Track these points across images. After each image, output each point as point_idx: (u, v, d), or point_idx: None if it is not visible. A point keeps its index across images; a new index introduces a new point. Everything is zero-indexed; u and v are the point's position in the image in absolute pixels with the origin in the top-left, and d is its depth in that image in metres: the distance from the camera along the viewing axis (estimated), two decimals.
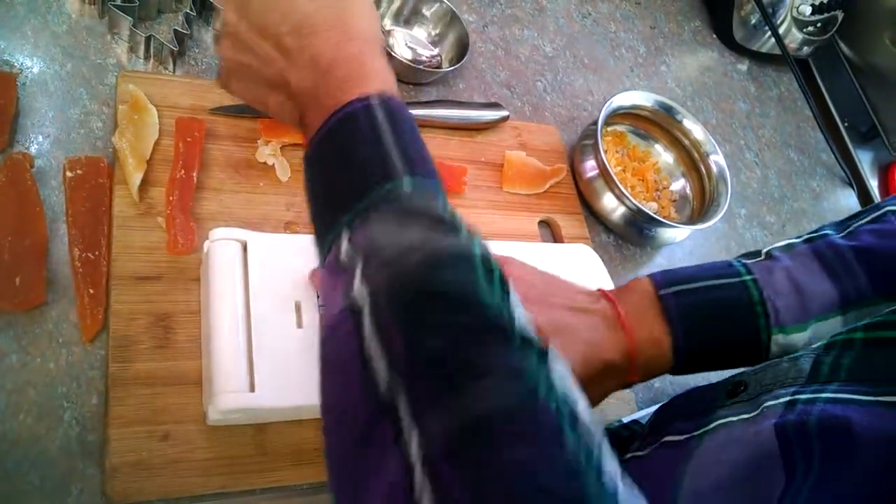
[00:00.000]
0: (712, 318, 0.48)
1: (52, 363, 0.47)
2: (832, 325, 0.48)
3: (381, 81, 0.39)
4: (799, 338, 0.48)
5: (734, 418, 0.41)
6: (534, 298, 0.47)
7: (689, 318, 0.48)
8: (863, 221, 0.51)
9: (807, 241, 0.51)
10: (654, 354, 0.48)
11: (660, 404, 0.60)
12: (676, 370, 0.49)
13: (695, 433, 0.42)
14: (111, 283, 0.50)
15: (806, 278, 0.49)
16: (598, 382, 0.47)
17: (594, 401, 0.49)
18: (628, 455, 0.47)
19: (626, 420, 0.60)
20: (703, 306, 0.48)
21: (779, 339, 0.48)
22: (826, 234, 0.51)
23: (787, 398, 0.38)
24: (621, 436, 0.56)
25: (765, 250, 0.52)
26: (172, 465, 0.46)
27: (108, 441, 0.45)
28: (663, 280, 0.50)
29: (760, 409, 0.39)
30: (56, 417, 0.46)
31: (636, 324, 0.48)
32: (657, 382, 0.70)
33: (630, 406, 0.63)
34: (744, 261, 0.51)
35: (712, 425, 0.42)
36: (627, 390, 0.63)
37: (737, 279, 0.49)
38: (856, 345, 0.39)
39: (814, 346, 0.42)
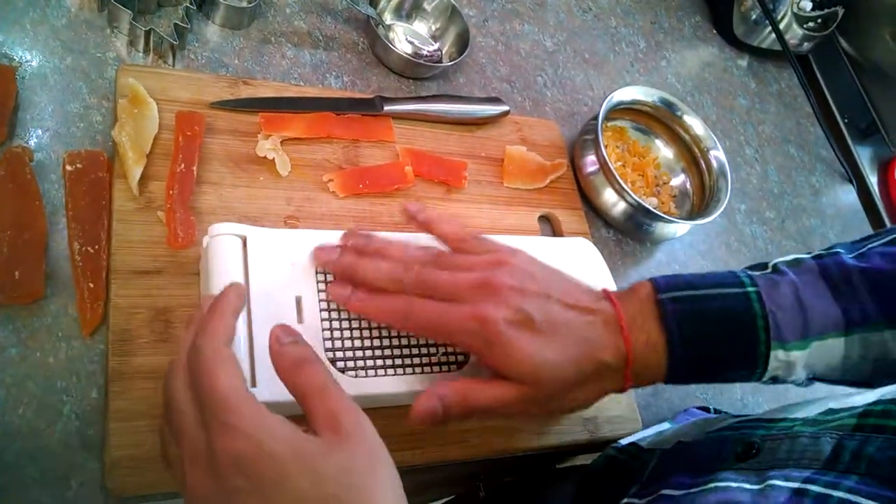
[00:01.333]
0: (711, 327, 0.47)
1: (52, 357, 0.47)
2: (833, 346, 0.47)
3: None
4: (799, 355, 0.47)
5: (734, 485, 0.39)
6: (533, 291, 0.46)
7: (686, 325, 0.47)
8: (877, 243, 0.49)
9: (816, 257, 0.50)
10: (649, 360, 0.47)
11: (661, 428, 0.59)
12: (671, 378, 0.48)
13: (692, 490, 0.42)
14: (111, 277, 0.50)
15: (810, 296, 0.47)
16: (592, 383, 0.46)
17: (587, 402, 0.48)
18: (624, 500, 0.47)
19: (623, 443, 0.59)
20: (702, 314, 0.47)
21: (779, 353, 0.47)
22: (837, 253, 0.50)
23: (798, 484, 0.36)
24: (620, 466, 0.55)
25: (772, 263, 0.51)
26: None
27: (107, 435, 0.45)
28: (665, 285, 0.48)
29: (765, 484, 0.38)
30: (56, 411, 0.46)
31: (634, 327, 0.47)
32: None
33: (634, 416, 0.63)
34: (749, 272, 0.50)
35: (711, 485, 0.40)
36: (629, 398, 0.63)
37: (740, 290, 0.48)
38: (887, 431, 0.37)
39: (840, 422, 0.40)
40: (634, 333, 0.46)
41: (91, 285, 0.49)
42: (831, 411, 0.43)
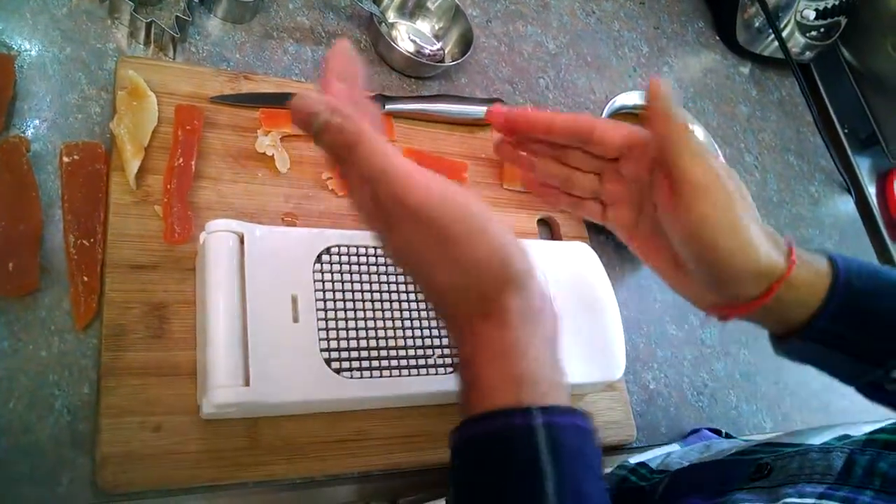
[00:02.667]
0: (880, 284, 0.42)
1: (44, 351, 0.47)
2: None
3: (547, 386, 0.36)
4: None
5: None
6: None
7: (854, 276, 0.41)
8: None
9: None
10: (805, 282, 0.41)
11: (671, 449, 0.59)
12: (820, 317, 0.42)
13: None
14: (106, 271, 0.49)
15: None
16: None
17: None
18: None
19: (632, 462, 0.58)
20: (874, 273, 0.42)
21: None
22: None
23: (813, 500, 0.36)
24: (631, 487, 0.54)
25: None
26: (164, 456, 0.45)
27: (99, 431, 0.45)
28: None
29: (781, 502, 0.37)
30: (47, 406, 0.45)
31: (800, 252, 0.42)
32: (652, 384, 0.70)
33: (629, 422, 0.63)
34: None
35: None
36: (625, 405, 0.63)
37: None
38: None
39: (851, 441, 0.40)
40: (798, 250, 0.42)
41: (85, 279, 0.48)
42: (846, 437, 0.43)
